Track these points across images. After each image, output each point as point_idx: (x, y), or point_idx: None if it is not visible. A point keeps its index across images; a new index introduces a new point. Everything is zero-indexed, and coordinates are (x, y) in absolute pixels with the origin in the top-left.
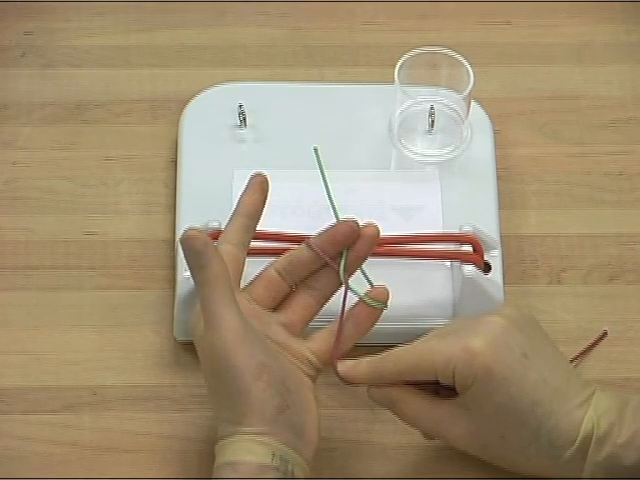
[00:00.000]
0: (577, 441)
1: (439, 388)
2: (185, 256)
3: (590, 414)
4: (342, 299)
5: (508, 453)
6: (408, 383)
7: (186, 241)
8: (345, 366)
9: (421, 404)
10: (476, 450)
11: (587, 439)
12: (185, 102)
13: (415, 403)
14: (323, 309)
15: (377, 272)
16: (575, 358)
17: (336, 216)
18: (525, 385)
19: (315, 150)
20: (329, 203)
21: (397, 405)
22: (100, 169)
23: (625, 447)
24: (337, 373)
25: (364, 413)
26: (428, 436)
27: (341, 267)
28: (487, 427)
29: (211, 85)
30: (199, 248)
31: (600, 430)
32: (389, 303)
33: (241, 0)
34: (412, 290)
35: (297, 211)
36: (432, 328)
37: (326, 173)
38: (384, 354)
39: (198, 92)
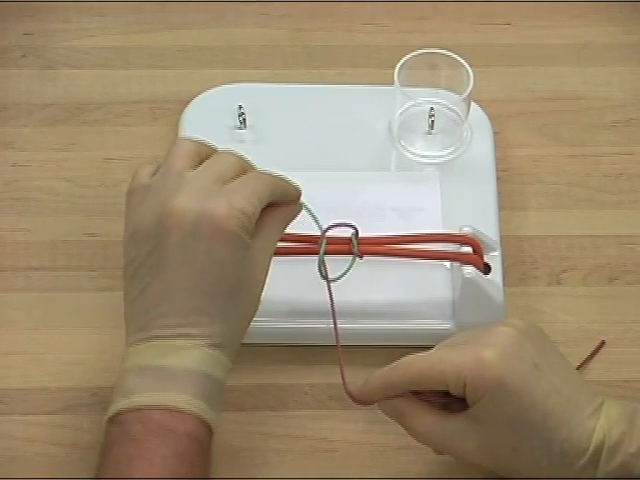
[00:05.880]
0: (589, 451)
1: (449, 402)
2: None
3: (601, 423)
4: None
5: (520, 465)
6: (418, 395)
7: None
8: (357, 387)
9: (431, 418)
10: (487, 463)
11: (599, 449)
12: (185, 103)
13: (425, 417)
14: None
15: (377, 272)
16: (576, 369)
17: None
18: (537, 396)
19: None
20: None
21: (407, 418)
22: (100, 170)
23: (636, 456)
24: (352, 399)
25: (364, 414)
26: (439, 451)
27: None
28: (498, 439)
29: (211, 86)
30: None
31: (611, 440)
32: (390, 302)
33: (241, 1)
34: (412, 290)
35: None
36: (432, 328)
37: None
38: (393, 365)
39: (198, 93)
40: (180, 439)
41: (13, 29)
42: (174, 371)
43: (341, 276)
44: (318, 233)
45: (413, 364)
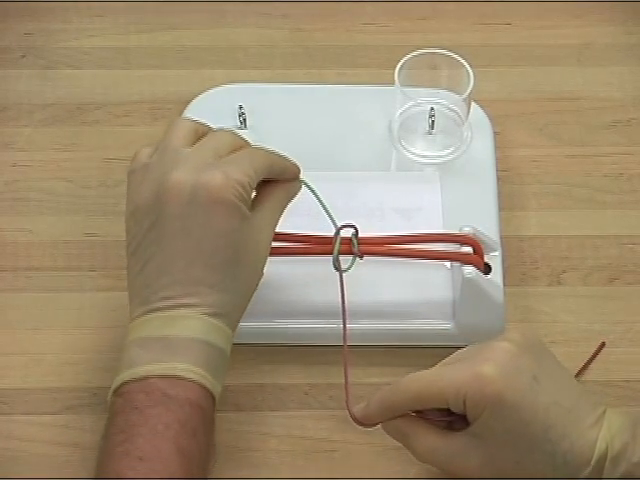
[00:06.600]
0: (592, 462)
1: (452, 421)
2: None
3: (603, 434)
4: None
5: (524, 478)
6: (420, 415)
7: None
8: (359, 410)
9: (433, 437)
10: (491, 478)
11: (602, 459)
12: (185, 103)
13: (427, 437)
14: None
15: (377, 272)
16: (577, 375)
17: (334, 225)
18: (537, 409)
19: (303, 182)
20: (328, 218)
21: (410, 438)
22: (100, 170)
23: None
24: (356, 422)
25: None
26: (445, 471)
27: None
28: (501, 454)
29: (211, 86)
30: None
31: (614, 450)
32: (390, 302)
33: (241, 1)
34: (412, 290)
35: (297, 211)
36: (432, 328)
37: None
38: (393, 385)
39: (198, 93)
40: (182, 406)
41: (13, 29)
42: (175, 340)
43: (349, 267)
44: (317, 233)
45: (412, 383)
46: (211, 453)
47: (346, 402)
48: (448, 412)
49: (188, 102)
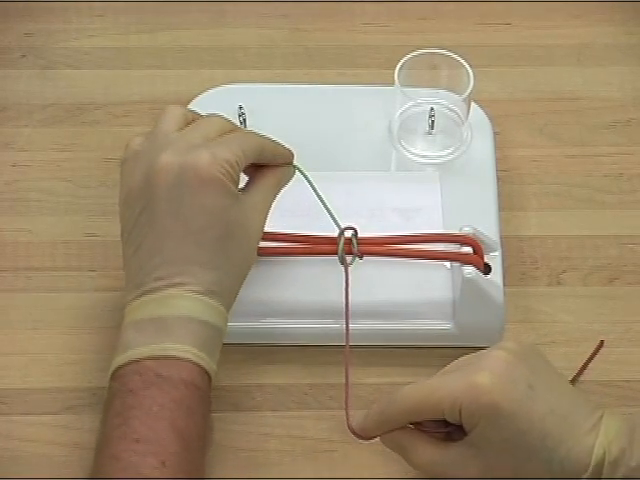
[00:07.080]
0: (590, 467)
1: (450, 432)
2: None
3: (601, 439)
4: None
5: None
6: (418, 427)
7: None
8: (357, 424)
9: (431, 449)
10: None
11: (599, 464)
12: (185, 103)
13: (425, 448)
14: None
15: (377, 272)
16: (577, 375)
17: (337, 224)
18: (533, 418)
19: (296, 167)
20: (327, 213)
21: (408, 451)
22: (100, 170)
23: (638, 470)
24: (355, 435)
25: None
26: None
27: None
28: (498, 463)
29: (211, 86)
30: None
31: (611, 456)
32: (390, 302)
33: (241, 1)
34: (412, 290)
35: (297, 212)
36: (432, 328)
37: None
38: (390, 397)
39: (198, 93)
40: (176, 386)
41: (13, 29)
42: (168, 320)
43: (350, 263)
44: (317, 233)
45: (409, 395)
46: (209, 434)
47: (347, 418)
48: (445, 423)
49: (188, 102)
